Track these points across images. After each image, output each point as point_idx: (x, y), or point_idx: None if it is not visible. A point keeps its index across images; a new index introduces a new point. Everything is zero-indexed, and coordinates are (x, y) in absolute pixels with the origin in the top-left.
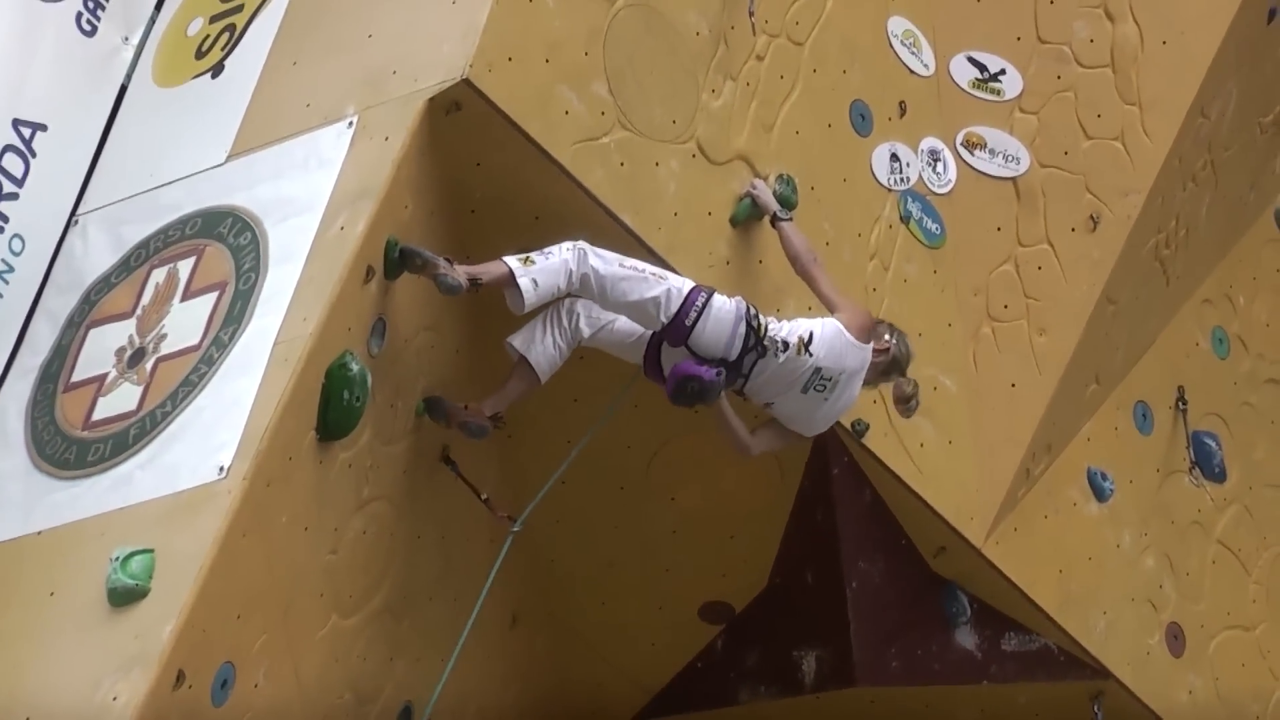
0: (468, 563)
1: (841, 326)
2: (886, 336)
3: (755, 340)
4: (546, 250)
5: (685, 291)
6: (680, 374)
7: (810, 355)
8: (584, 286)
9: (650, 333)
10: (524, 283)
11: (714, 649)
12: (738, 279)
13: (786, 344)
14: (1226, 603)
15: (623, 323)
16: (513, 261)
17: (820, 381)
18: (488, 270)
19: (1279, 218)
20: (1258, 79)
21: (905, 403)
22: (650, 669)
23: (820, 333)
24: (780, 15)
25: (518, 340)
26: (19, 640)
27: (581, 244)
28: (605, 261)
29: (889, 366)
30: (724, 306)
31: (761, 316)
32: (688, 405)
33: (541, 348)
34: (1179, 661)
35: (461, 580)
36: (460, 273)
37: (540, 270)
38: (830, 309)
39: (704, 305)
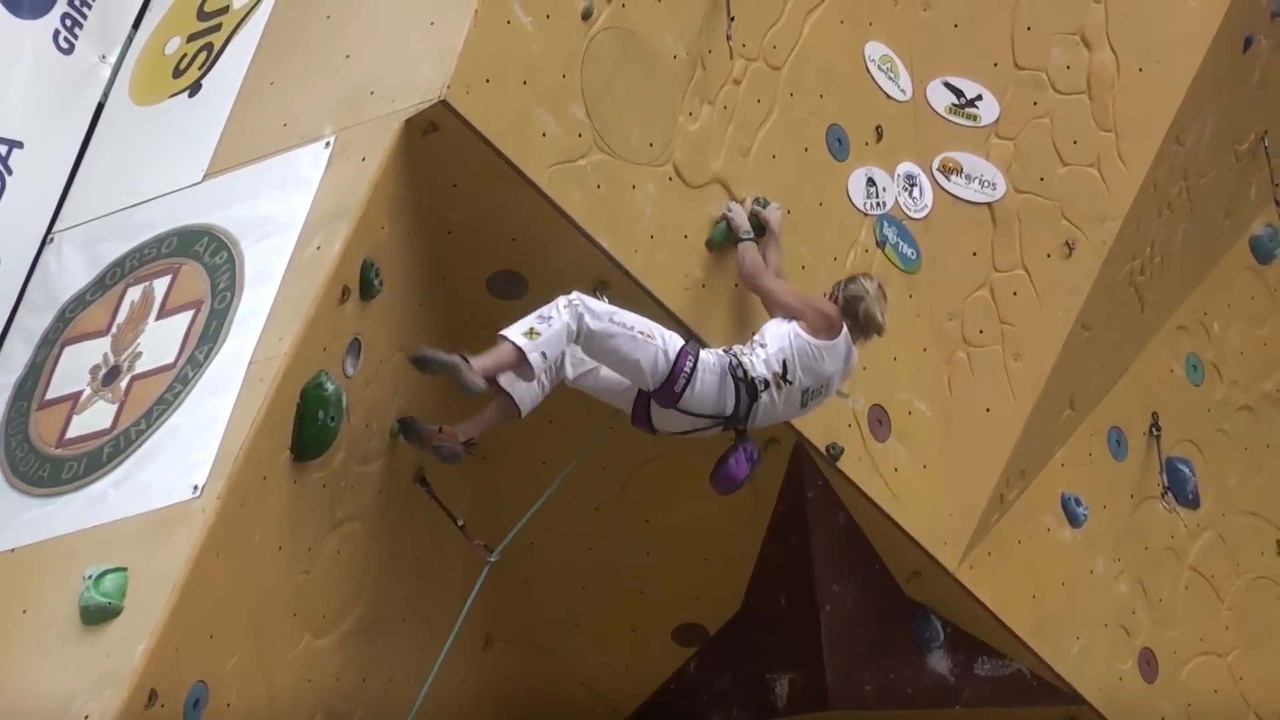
0: (442, 584)
1: (806, 336)
2: (837, 295)
3: (746, 389)
4: (545, 316)
5: (673, 356)
6: (730, 482)
7: (790, 383)
8: (579, 338)
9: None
10: (534, 358)
11: (687, 671)
12: (713, 302)
13: (766, 382)
14: (1199, 629)
15: (608, 369)
16: (517, 338)
17: (812, 394)
18: (498, 359)
19: (1254, 245)
20: (1233, 106)
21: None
22: (623, 690)
23: (791, 355)
24: (758, 40)
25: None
26: None
27: (575, 298)
28: (596, 317)
29: (851, 326)
30: (709, 364)
31: (743, 357)
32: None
33: (524, 383)
34: (1152, 687)
35: (435, 601)
36: (476, 372)
37: (546, 341)
38: (793, 318)
39: (691, 370)
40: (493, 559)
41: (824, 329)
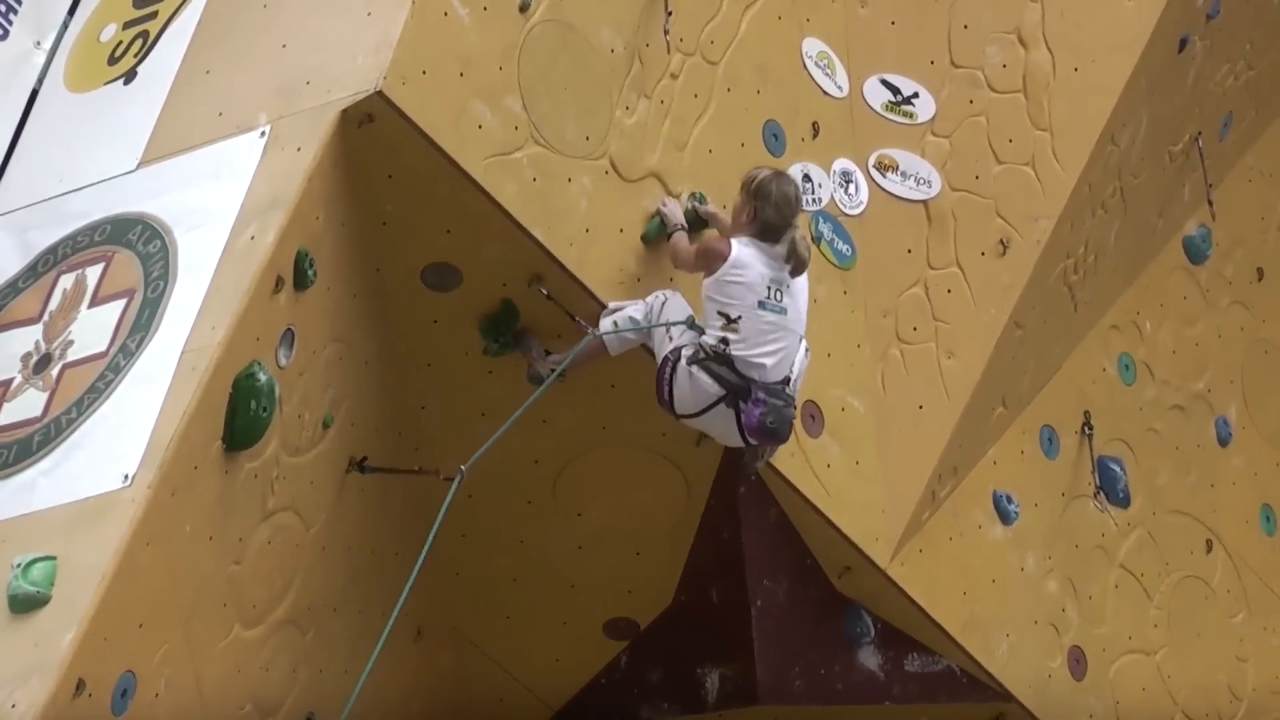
0: (373, 575)
1: (706, 280)
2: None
3: (717, 363)
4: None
5: (658, 361)
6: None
7: (740, 318)
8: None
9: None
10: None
11: (618, 665)
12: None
13: (725, 340)
14: (1128, 627)
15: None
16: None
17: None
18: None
19: (1187, 245)
20: (1168, 107)
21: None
22: (554, 685)
23: (715, 298)
24: (695, 34)
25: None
26: None
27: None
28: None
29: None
30: (682, 373)
31: (705, 339)
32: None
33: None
34: (1080, 685)
35: (367, 593)
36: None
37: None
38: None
39: (671, 375)
40: (465, 469)
41: (709, 259)
